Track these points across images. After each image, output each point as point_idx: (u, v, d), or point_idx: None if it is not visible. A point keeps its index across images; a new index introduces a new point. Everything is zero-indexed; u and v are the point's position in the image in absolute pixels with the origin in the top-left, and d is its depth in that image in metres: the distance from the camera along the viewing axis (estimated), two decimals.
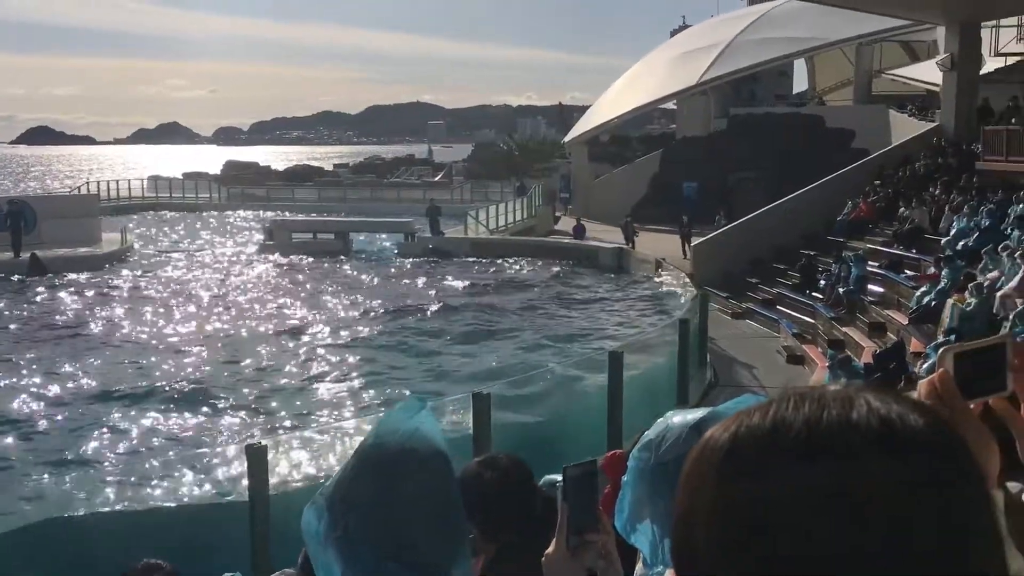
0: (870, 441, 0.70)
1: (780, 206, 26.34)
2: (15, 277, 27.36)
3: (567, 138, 50.26)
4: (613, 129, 49.84)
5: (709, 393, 15.06)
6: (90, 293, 25.78)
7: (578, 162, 46.85)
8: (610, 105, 45.71)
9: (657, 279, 25.75)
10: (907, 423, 0.72)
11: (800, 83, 52.12)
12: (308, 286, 27.28)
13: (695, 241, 27.54)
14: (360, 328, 21.27)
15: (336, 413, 14.74)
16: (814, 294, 20.74)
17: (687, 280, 22.55)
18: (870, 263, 20.00)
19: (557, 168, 51.01)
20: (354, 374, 17.28)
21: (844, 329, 17.90)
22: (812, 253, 22.89)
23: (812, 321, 19.70)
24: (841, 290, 19.17)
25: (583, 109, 59.70)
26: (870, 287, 19.21)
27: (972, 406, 1.17)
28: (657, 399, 13.48)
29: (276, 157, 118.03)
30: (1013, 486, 1.40)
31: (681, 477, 0.76)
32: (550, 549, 1.52)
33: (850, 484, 0.68)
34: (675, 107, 48.52)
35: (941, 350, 1.19)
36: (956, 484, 0.71)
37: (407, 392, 15.65)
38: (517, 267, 30.31)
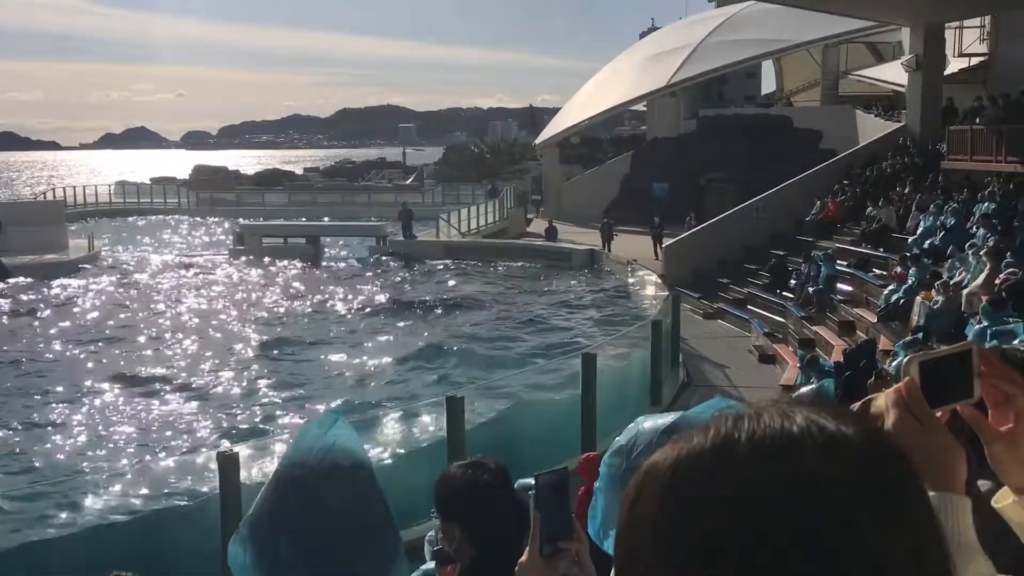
0: (813, 453, 0.70)
1: (750, 206, 26.52)
2: None
3: (538, 140, 50.33)
4: (584, 131, 49.96)
5: (682, 393, 15.12)
6: (56, 300, 25.45)
7: (549, 164, 46.92)
8: (581, 107, 45.83)
9: (629, 280, 25.82)
10: (845, 433, 0.73)
11: (768, 84, 52.53)
12: (278, 291, 27.10)
13: (666, 242, 27.66)
14: (331, 332, 21.16)
15: (305, 418, 14.63)
16: (784, 293, 20.90)
17: (659, 281, 22.64)
18: (839, 262, 20.18)
19: (528, 170, 51.07)
20: (326, 378, 17.17)
21: (814, 328, 18.05)
22: (782, 253, 23.07)
23: (783, 320, 19.85)
24: (811, 289, 19.33)
25: (554, 111, 59.88)
26: (839, 286, 19.40)
27: (939, 414, 1.18)
28: (630, 400, 13.53)
29: (246, 161, 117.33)
30: (982, 483, 1.41)
31: (624, 500, 0.76)
32: (523, 558, 1.51)
33: (797, 496, 0.68)
34: (645, 109, 48.69)
35: (907, 358, 1.19)
36: (895, 487, 0.72)
37: (338, 401, 15.61)
38: (489, 269, 30.29)
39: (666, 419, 1.46)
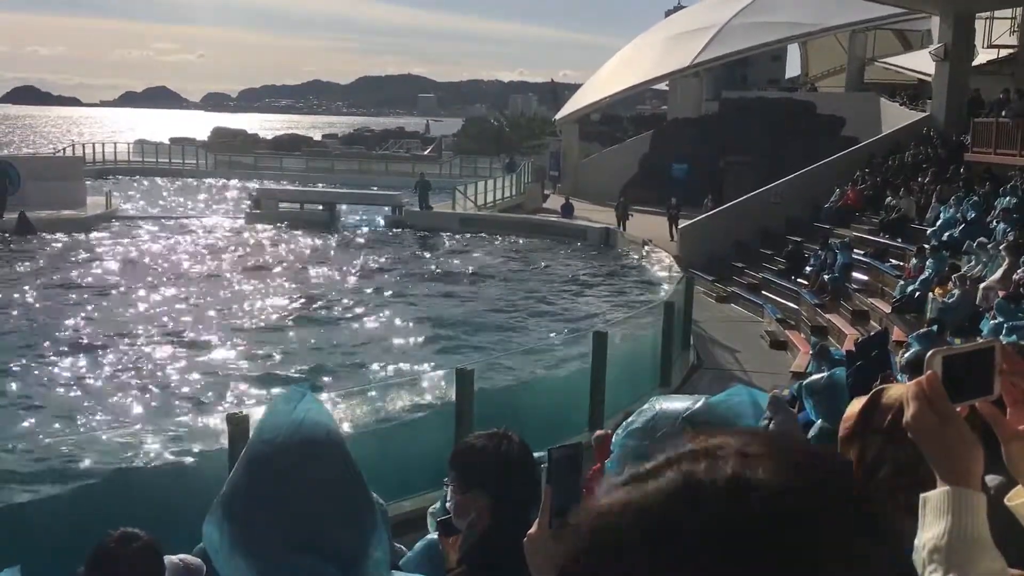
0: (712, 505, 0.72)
1: (768, 191, 26.38)
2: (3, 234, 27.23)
3: (558, 116, 50.10)
4: (605, 108, 49.68)
5: (692, 376, 15.14)
6: (73, 256, 25.60)
7: (568, 140, 46.72)
8: (602, 84, 45.55)
9: (643, 260, 25.77)
10: (755, 476, 0.73)
11: (793, 68, 52.10)
12: (293, 257, 27.17)
13: (683, 223, 27.56)
14: (344, 299, 21.22)
15: (319, 380, 14.71)
16: (799, 280, 20.83)
17: (673, 262, 22.59)
18: (855, 251, 20.09)
19: (547, 146, 50.87)
20: (335, 345, 17.24)
21: (828, 316, 17.99)
22: (799, 239, 22.97)
23: (796, 307, 19.79)
24: (826, 277, 19.25)
25: (575, 87, 59.58)
26: (855, 275, 19.31)
27: (959, 409, 1.18)
28: (639, 380, 13.55)
29: (264, 125, 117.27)
30: (991, 478, 1.41)
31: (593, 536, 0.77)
32: (532, 530, 1.52)
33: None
34: (667, 88, 48.36)
35: (930, 353, 1.19)
36: (808, 523, 0.72)
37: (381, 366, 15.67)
38: (505, 243, 30.27)
39: (685, 403, 1.46)
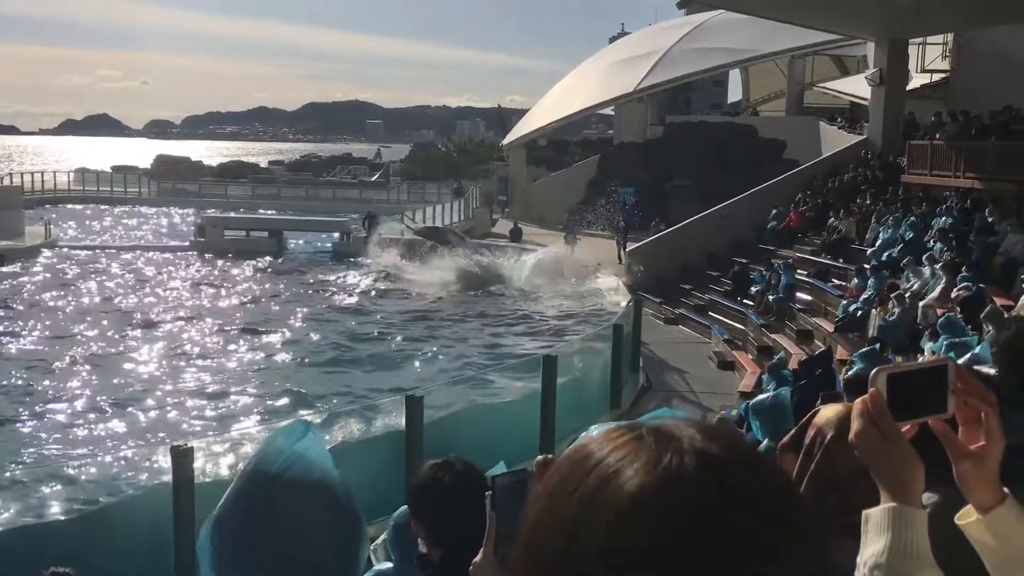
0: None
1: (713, 213, 26.74)
2: None
3: (505, 141, 50.36)
4: (551, 133, 50.06)
5: (642, 398, 15.21)
6: (7, 288, 24.98)
7: (516, 165, 46.95)
8: (549, 109, 45.92)
9: (592, 284, 25.89)
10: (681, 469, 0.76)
11: (735, 93, 53.08)
12: (238, 284, 26.83)
13: (630, 246, 27.80)
14: (290, 328, 20.99)
15: (264, 416, 14.49)
16: (745, 301, 21.11)
17: (621, 285, 22.74)
18: (799, 271, 20.43)
19: (495, 171, 51.06)
20: (284, 374, 17.02)
21: (774, 336, 18.24)
22: (744, 260, 23.30)
23: (743, 328, 20.03)
24: (771, 297, 19.54)
25: (522, 112, 59.91)
26: (799, 295, 19.63)
27: (907, 427, 1.19)
28: (590, 403, 13.57)
29: (209, 152, 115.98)
30: (927, 496, 1.43)
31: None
32: (478, 558, 1.51)
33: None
34: (613, 113, 48.92)
35: (874, 371, 1.20)
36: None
37: (301, 404, 15.51)
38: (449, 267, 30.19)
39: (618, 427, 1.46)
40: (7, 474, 11.05)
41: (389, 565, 3.05)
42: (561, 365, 12.36)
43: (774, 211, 24.71)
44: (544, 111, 46.45)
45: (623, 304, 18.62)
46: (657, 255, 26.03)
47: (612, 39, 57.98)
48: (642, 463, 0.76)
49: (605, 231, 33.27)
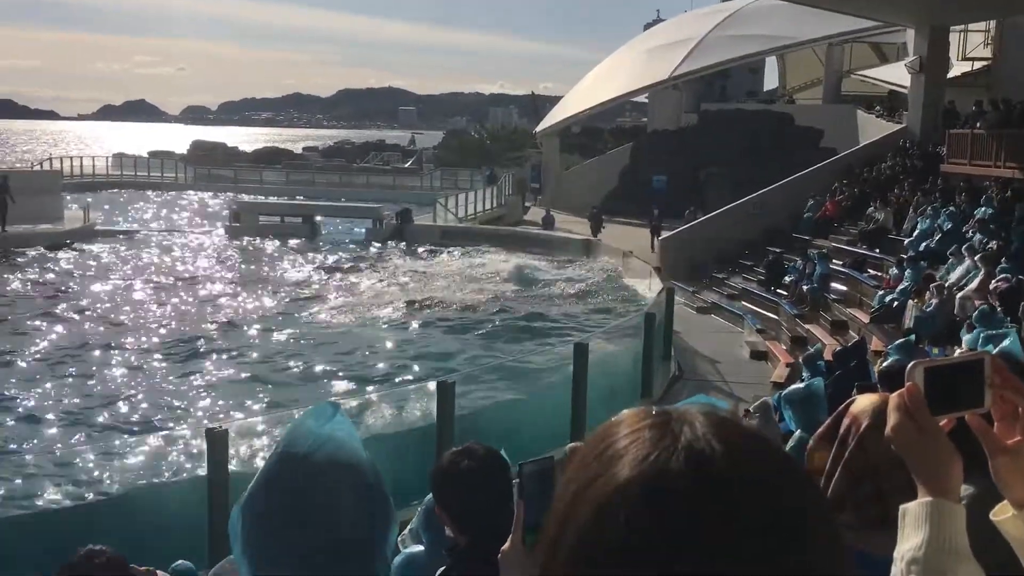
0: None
1: (747, 202, 26.53)
2: None
3: (538, 128, 50.25)
4: (585, 121, 49.88)
5: (673, 386, 15.15)
6: (48, 270, 25.38)
7: (549, 153, 46.86)
8: (582, 96, 45.74)
9: (623, 272, 25.82)
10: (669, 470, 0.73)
11: (771, 81, 52.51)
12: (273, 270, 27.05)
13: (664, 235, 27.69)
14: (324, 313, 21.13)
15: (297, 398, 14.63)
16: (779, 291, 20.94)
17: (654, 273, 22.64)
18: (834, 261, 20.22)
19: (528, 158, 51.00)
20: (316, 358, 17.16)
21: (807, 326, 18.08)
22: (778, 250, 23.10)
23: (776, 318, 19.88)
24: (805, 287, 19.36)
25: (555, 99, 59.74)
26: (833, 285, 19.43)
27: (944, 421, 1.17)
28: (620, 392, 13.55)
29: (245, 138, 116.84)
30: (963, 488, 1.41)
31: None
32: (506, 546, 1.51)
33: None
34: (647, 101, 48.62)
35: (911, 364, 1.18)
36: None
37: (324, 388, 15.62)
38: (484, 255, 30.25)
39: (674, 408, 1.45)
40: (51, 454, 11.27)
41: (420, 548, 3.08)
42: (592, 352, 12.33)
43: (810, 200, 24.45)
44: (578, 98, 46.26)
45: (655, 293, 18.54)
46: (690, 244, 25.89)
47: (647, 26, 57.59)
48: (633, 456, 0.74)
49: (637, 219, 33.15)
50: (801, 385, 6.42)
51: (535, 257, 29.67)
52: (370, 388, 14.69)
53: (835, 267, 19.98)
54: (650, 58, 42.61)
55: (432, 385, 10.38)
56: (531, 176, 47.25)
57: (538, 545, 0.80)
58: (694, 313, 21.81)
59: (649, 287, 21.18)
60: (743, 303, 21.75)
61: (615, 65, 46.05)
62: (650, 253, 27.27)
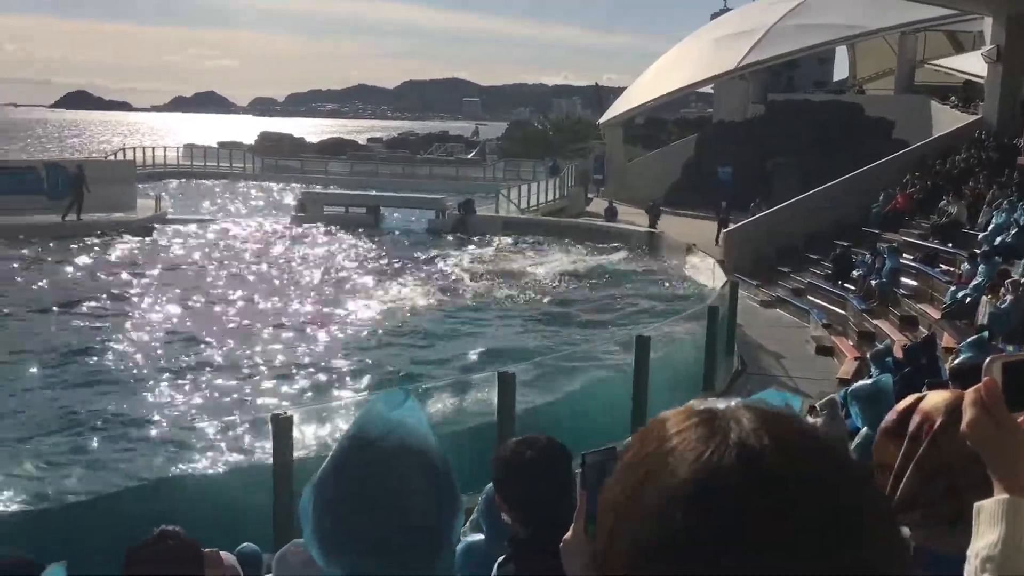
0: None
1: (815, 195, 26.07)
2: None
3: (602, 119, 50.02)
4: (649, 112, 49.47)
5: (736, 381, 15.00)
6: (124, 259, 26.08)
7: (612, 144, 46.62)
8: (647, 87, 45.39)
9: (687, 264, 25.60)
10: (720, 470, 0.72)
11: (840, 71, 51.47)
12: (338, 259, 27.41)
13: (730, 227, 27.40)
14: (389, 302, 21.35)
15: (361, 385, 14.82)
16: (846, 285, 20.55)
17: (718, 267, 22.41)
18: (904, 256, 19.77)
19: (591, 149, 50.80)
20: (382, 347, 17.35)
21: (875, 321, 17.71)
22: (846, 244, 22.66)
23: (843, 312, 19.52)
24: (874, 282, 18.97)
25: (619, 91, 59.38)
26: (903, 280, 19.00)
27: (1023, 417, 1.15)
28: (682, 385, 13.45)
29: (310, 129, 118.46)
30: None
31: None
32: (568, 535, 1.51)
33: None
34: (712, 91, 48.04)
35: (989, 359, 1.16)
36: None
37: (405, 374, 15.73)
38: (548, 247, 30.25)
39: (721, 404, 1.44)
40: (136, 432, 11.58)
41: (480, 537, 3.10)
42: (654, 345, 12.26)
43: (881, 193, 23.91)
44: (642, 89, 45.92)
45: (718, 286, 18.35)
46: (755, 236, 25.54)
47: (714, 15, 56.89)
48: (685, 453, 0.74)
49: (700, 211, 32.85)
50: (869, 382, 6.30)
51: (597, 248, 29.58)
52: (432, 377, 14.81)
53: (905, 261, 19.53)
54: (716, 48, 42.07)
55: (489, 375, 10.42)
56: (594, 167, 47.06)
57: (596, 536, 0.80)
58: (758, 307, 21.53)
59: (713, 280, 20.96)
60: (809, 297, 21.40)
61: (680, 55, 45.57)
62: (714, 246, 26.97)
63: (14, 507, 9.16)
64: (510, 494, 2.27)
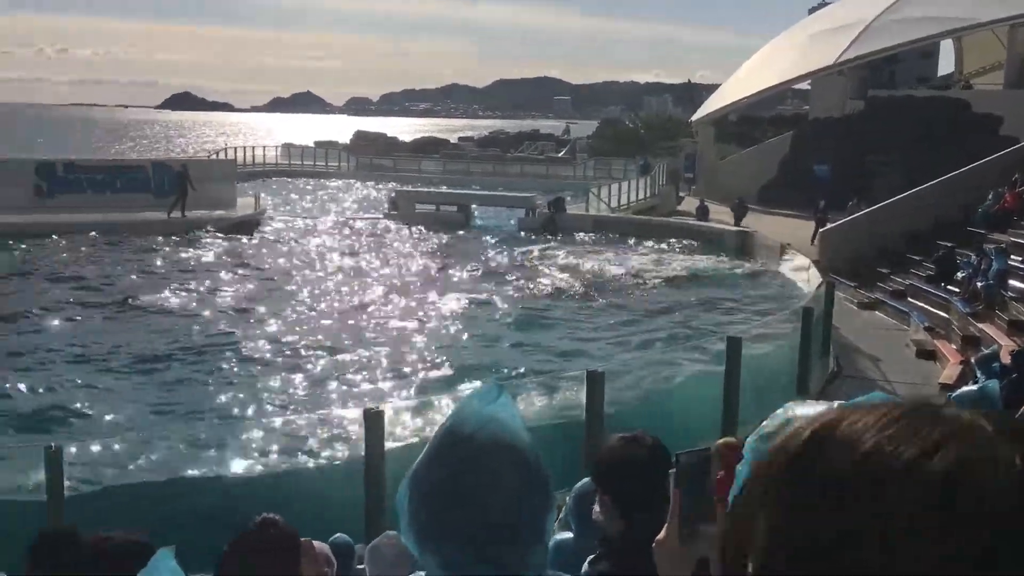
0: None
1: (917, 193, 25.21)
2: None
3: (694, 117, 49.37)
4: (743, 109, 48.63)
5: (831, 383, 14.62)
6: (223, 255, 26.91)
7: (704, 142, 45.98)
8: (741, 84, 44.60)
9: (780, 264, 25.09)
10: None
11: (945, 66, 49.63)
12: (430, 256, 27.74)
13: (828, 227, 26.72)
14: (480, 299, 21.50)
15: (450, 380, 14.97)
16: (949, 287, 19.83)
17: (812, 267, 21.90)
18: (1013, 257, 18.96)
19: (682, 147, 50.21)
20: (472, 343, 17.50)
21: (980, 325, 17.03)
22: (950, 244, 21.86)
23: (946, 316, 18.83)
24: (979, 284, 18.25)
25: (712, 88, 58.53)
26: (1011, 282, 18.22)
27: None
28: (775, 388, 13.18)
29: (404, 128, 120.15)
30: None
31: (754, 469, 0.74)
32: (661, 535, 1.51)
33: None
34: (809, 88, 46.94)
35: None
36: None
37: (494, 371, 15.79)
38: (637, 245, 30.03)
39: (820, 408, 1.41)
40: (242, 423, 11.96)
41: (569, 536, 3.10)
42: (746, 346, 12.04)
43: (991, 192, 22.97)
44: (736, 86, 45.15)
45: (813, 287, 17.92)
46: (853, 236, 24.83)
47: (811, 10, 55.58)
48: (901, 454, 0.66)
49: (795, 210, 32.13)
50: (974, 387, 6.07)
51: (688, 247, 29.23)
52: (521, 374, 14.87)
53: (1014, 263, 18.73)
54: (814, 43, 41.06)
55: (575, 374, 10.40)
56: (685, 166, 46.50)
57: (744, 540, 0.75)
58: (856, 309, 20.94)
59: (808, 280, 20.49)
60: (909, 300, 20.71)
61: (776, 51, 44.64)
62: (809, 246, 26.34)
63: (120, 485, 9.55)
64: (613, 490, 2.27)
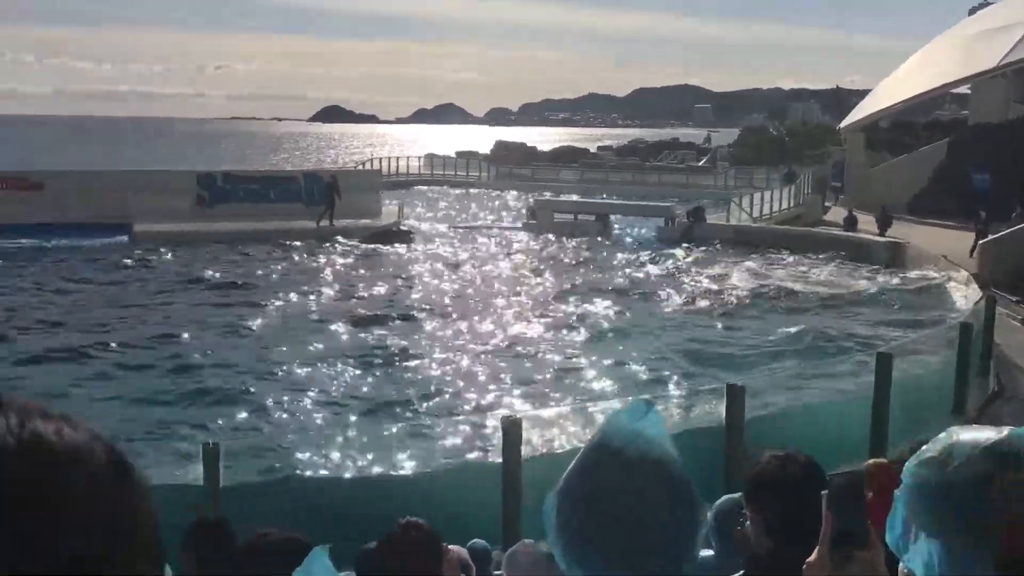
0: None
1: None
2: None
3: (843, 124, 47.69)
4: (895, 115, 46.66)
5: (991, 405, 13.81)
6: (367, 261, 27.80)
7: (853, 150, 44.33)
8: (894, 88, 42.81)
9: (935, 278, 23.91)
10: None
11: None
12: (569, 266, 27.80)
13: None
14: (616, 310, 21.40)
15: (591, 392, 14.96)
16: None
17: (971, 280, 20.78)
18: None
19: (830, 155, 48.57)
20: (608, 353, 17.43)
21: None
22: None
23: None
24: None
25: (862, 93, 56.43)
26: None
27: None
28: (927, 408, 12.57)
29: (542, 138, 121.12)
30: None
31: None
32: (812, 557, 1.47)
33: None
34: (969, 92, 44.59)
35: None
36: None
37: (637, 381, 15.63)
38: (779, 257, 29.22)
39: (987, 434, 1.34)
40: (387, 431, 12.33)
41: (710, 553, 3.05)
42: (897, 364, 11.52)
43: None
44: (888, 91, 43.36)
45: (971, 302, 16.98)
46: (1017, 249, 23.41)
47: (972, 10, 52.77)
48: None
49: (952, 220, 30.57)
50: None
51: (833, 258, 28.23)
52: (659, 383, 14.72)
53: None
54: (974, 44, 38.97)
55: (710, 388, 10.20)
56: (832, 174, 44.96)
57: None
58: (1018, 325, 19.70)
59: (966, 295, 19.45)
60: None
61: (932, 54, 42.62)
62: (968, 258, 24.98)
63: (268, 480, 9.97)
64: (765, 508, 2.22)
